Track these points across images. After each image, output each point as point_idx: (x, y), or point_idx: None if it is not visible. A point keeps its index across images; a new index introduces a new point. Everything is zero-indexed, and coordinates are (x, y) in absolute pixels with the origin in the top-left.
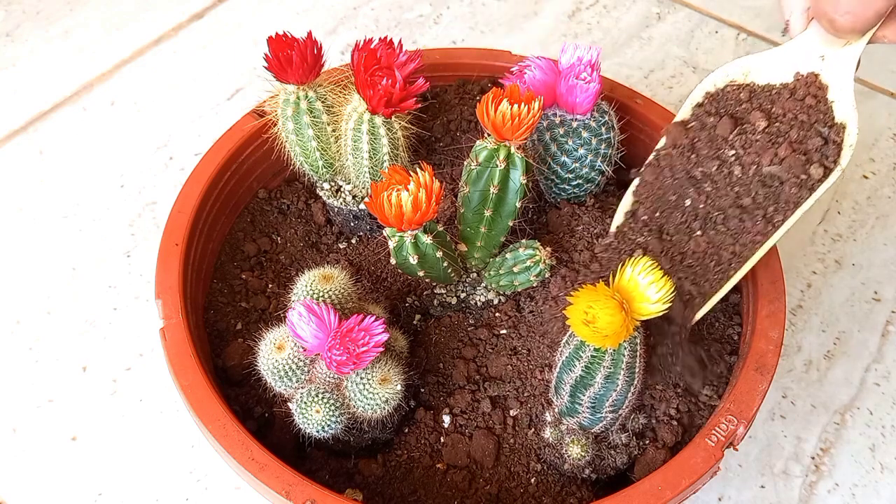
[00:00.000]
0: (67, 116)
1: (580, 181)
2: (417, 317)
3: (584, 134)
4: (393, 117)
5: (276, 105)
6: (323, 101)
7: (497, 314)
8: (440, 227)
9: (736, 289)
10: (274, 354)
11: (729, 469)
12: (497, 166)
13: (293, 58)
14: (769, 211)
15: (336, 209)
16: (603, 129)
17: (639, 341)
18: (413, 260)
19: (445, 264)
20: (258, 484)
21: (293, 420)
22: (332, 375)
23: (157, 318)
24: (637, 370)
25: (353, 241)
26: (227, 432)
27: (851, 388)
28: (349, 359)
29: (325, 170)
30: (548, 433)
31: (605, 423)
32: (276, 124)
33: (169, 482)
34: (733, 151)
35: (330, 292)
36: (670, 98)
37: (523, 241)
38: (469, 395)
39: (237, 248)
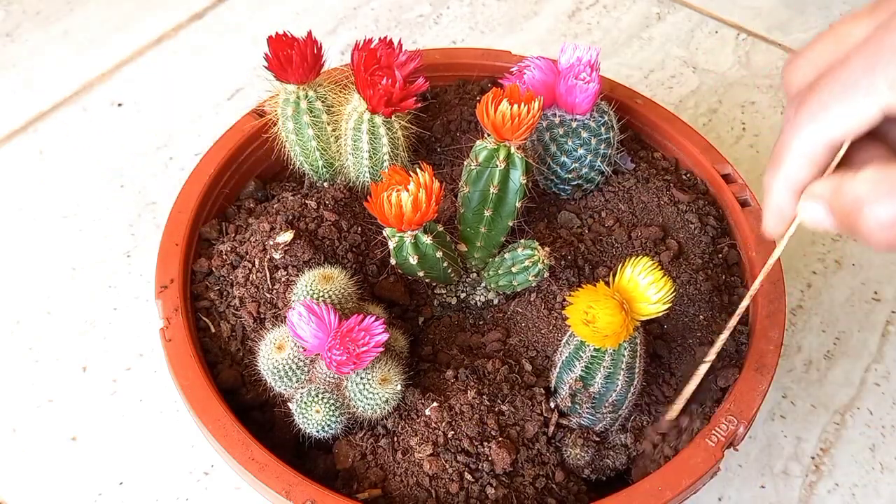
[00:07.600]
0: (67, 116)
1: (580, 181)
2: (421, 319)
3: (584, 134)
4: (393, 117)
5: (276, 105)
6: (323, 101)
7: (497, 314)
8: (440, 228)
9: (737, 291)
10: (274, 354)
11: (729, 469)
12: (497, 166)
13: (293, 57)
14: None
15: None
16: (602, 129)
17: (639, 341)
18: (413, 260)
19: (445, 264)
20: (258, 484)
21: (293, 420)
22: (332, 375)
23: (157, 318)
24: (637, 370)
25: None
26: (227, 432)
27: (851, 388)
28: (349, 359)
29: (324, 169)
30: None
31: (605, 423)
32: (276, 124)
33: (168, 482)
34: None
35: (330, 292)
36: (670, 98)
37: (522, 241)
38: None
39: None
